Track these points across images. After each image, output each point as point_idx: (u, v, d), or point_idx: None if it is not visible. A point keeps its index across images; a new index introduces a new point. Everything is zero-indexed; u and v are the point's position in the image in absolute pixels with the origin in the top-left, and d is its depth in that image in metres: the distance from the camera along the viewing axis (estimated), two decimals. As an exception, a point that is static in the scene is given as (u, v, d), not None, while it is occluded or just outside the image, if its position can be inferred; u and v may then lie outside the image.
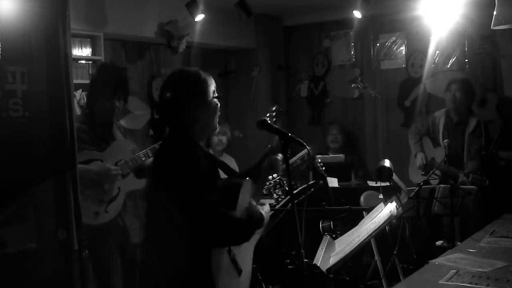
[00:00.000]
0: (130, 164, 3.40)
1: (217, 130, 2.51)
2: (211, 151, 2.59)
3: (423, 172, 4.81)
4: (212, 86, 2.37)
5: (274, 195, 4.02)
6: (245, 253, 2.40)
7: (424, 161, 4.88)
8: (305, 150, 2.44)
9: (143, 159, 3.44)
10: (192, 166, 2.18)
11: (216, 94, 2.38)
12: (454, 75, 5.55)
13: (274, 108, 2.63)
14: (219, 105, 2.40)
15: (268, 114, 2.56)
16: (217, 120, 2.42)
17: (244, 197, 2.33)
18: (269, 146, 2.53)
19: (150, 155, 3.44)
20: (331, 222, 3.98)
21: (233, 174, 2.57)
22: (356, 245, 2.74)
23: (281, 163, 2.50)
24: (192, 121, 2.31)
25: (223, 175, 2.54)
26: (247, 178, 2.41)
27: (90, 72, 4.71)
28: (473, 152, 4.66)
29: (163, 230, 2.25)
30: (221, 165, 2.55)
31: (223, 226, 2.17)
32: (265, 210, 2.34)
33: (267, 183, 3.45)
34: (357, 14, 5.34)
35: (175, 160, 2.22)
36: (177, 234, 2.20)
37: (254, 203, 2.33)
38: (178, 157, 2.22)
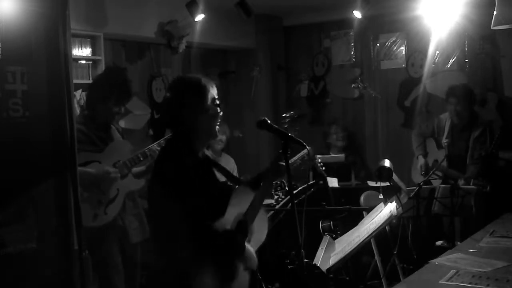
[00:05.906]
0: (128, 164, 3.39)
1: (217, 137, 2.50)
2: (209, 154, 2.57)
3: (423, 172, 4.81)
4: (213, 93, 2.39)
5: (275, 196, 4.02)
6: None
7: (423, 168, 4.85)
8: (305, 150, 2.44)
9: (141, 159, 3.43)
10: (184, 177, 2.24)
11: (217, 102, 2.40)
12: (453, 76, 5.55)
13: (289, 115, 2.60)
14: (220, 112, 2.42)
15: (282, 121, 2.54)
16: (217, 127, 2.43)
17: (239, 204, 2.34)
18: (279, 152, 2.46)
19: (148, 154, 3.44)
20: (331, 222, 3.98)
21: (235, 180, 2.58)
22: (356, 245, 2.74)
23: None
24: (192, 125, 2.35)
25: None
26: (244, 185, 2.44)
27: (90, 73, 4.70)
28: (476, 156, 4.65)
29: (159, 232, 2.35)
30: (223, 171, 2.55)
31: (204, 240, 2.21)
32: (250, 249, 2.34)
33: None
34: (357, 14, 5.34)
35: (170, 169, 2.28)
36: (168, 236, 2.27)
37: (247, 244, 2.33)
38: (173, 166, 2.28)
